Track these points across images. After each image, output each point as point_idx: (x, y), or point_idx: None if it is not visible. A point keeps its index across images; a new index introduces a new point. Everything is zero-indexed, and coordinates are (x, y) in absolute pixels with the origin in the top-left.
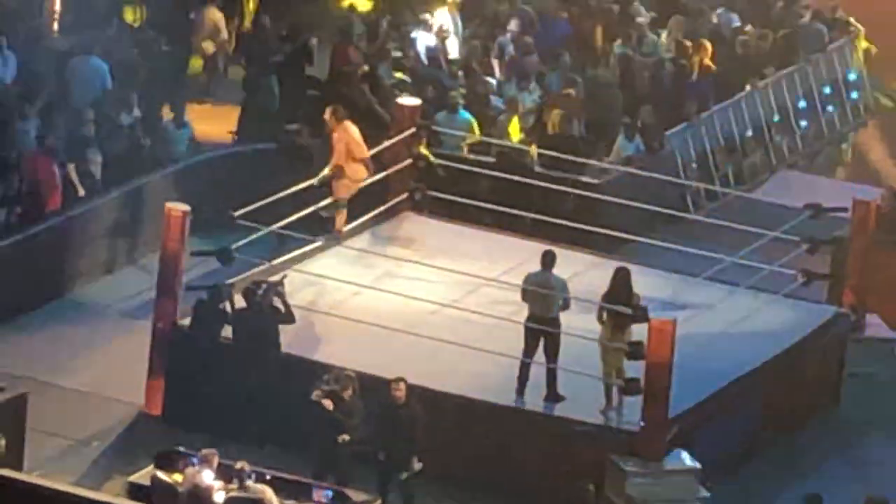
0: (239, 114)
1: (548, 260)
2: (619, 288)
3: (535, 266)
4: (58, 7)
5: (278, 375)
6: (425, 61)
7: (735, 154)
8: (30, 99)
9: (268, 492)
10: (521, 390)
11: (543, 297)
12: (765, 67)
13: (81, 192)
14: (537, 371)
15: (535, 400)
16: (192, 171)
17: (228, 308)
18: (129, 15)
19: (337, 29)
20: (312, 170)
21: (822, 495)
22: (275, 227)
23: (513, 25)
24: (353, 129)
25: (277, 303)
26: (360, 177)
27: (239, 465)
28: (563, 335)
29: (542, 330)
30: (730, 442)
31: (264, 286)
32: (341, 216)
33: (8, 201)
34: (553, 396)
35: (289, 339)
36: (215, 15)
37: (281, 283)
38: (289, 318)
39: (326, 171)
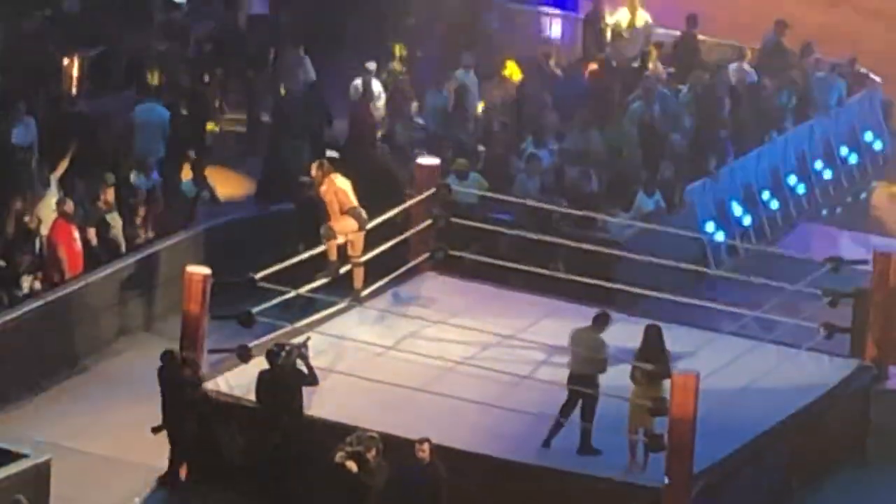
0: (261, 175)
1: (600, 322)
2: (652, 345)
3: (556, 323)
4: (76, 72)
5: (301, 438)
6: (436, 121)
7: (755, 208)
8: (51, 165)
9: None
10: (548, 443)
11: (586, 356)
12: (784, 120)
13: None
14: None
15: (560, 457)
16: (213, 233)
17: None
18: (151, 78)
19: (355, 89)
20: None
21: None
22: (296, 290)
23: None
24: (342, 181)
25: (301, 365)
26: (350, 229)
27: None
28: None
29: (580, 389)
30: (755, 497)
31: (287, 348)
32: (359, 275)
33: (31, 268)
34: (587, 450)
35: (312, 400)
36: None
37: (304, 345)
38: (312, 379)
39: (325, 227)
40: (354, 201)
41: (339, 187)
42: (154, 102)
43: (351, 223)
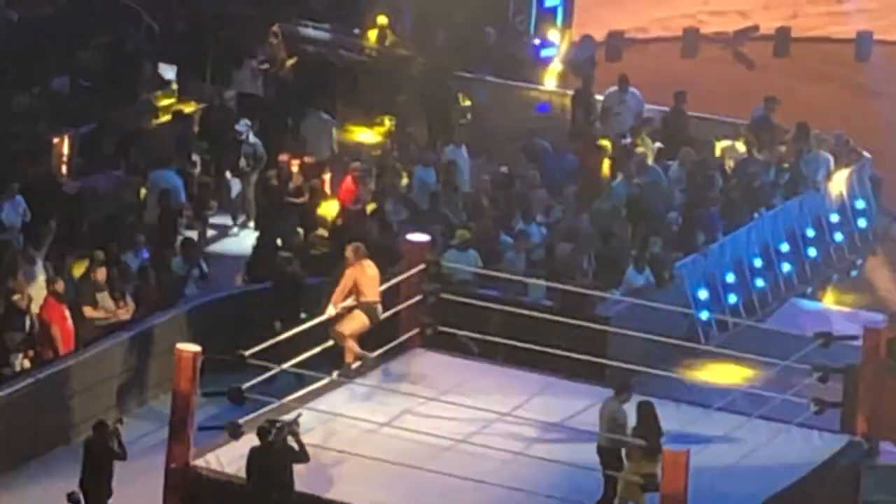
0: (251, 251)
1: (621, 391)
2: (644, 421)
3: (548, 399)
4: (66, 150)
5: None
6: (421, 197)
7: (745, 283)
8: (38, 243)
9: None
10: None
11: (609, 427)
12: (772, 196)
13: None
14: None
15: None
16: (202, 310)
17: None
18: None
19: (343, 164)
20: (309, 302)
21: None
22: (285, 365)
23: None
24: (372, 270)
25: (291, 441)
26: (357, 330)
27: None
28: (576, 469)
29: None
30: None
31: (278, 425)
32: (351, 352)
33: (22, 346)
34: None
35: (303, 477)
36: None
37: (295, 421)
38: (303, 456)
39: (333, 308)
40: (376, 295)
41: (368, 276)
42: (167, 169)
43: (359, 322)
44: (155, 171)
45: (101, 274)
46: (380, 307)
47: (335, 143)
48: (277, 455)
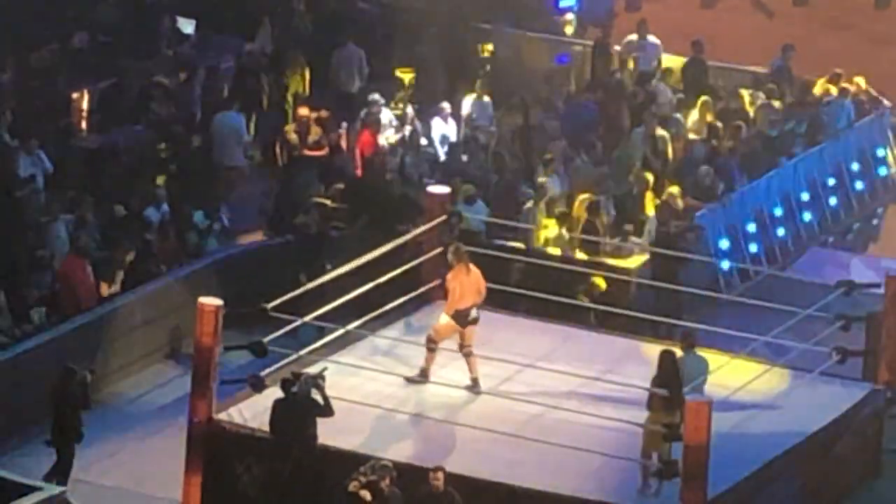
0: (272, 204)
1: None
2: (667, 371)
3: (572, 350)
4: (86, 105)
5: (315, 468)
6: (441, 149)
7: (766, 233)
8: (60, 199)
9: None
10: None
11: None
12: (793, 146)
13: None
14: (568, 453)
15: (574, 484)
16: (224, 264)
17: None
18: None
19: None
20: (336, 256)
21: None
22: (307, 318)
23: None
24: (474, 271)
25: (315, 394)
26: (448, 334)
27: None
28: (604, 419)
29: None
30: None
31: (302, 377)
32: (472, 364)
33: (43, 302)
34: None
35: (327, 430)
36: None
37: (321, 375)
38: (327, 410)
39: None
40: (472, 299)
41: (469, 280)
42: (230, 111)
43: (448, 328)
44: (218, 115)
45: (130, 256)
46: (474, 312)
47: (364, 75)
48: (301, 408)
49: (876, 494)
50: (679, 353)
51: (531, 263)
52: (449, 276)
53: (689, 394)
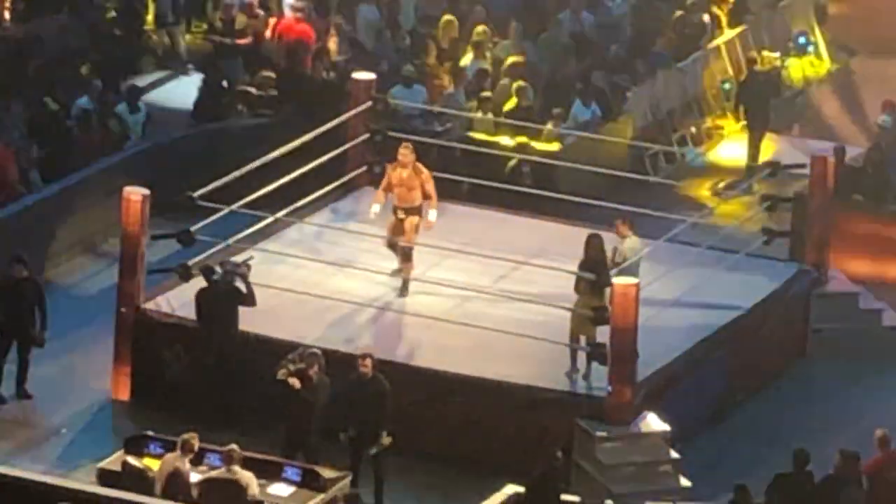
0: (197, 93)
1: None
2: (594, 255)
3: (495, 235)
4: None
5: (239, 356)
6: (367, 35)
7: (691, 115)
8: None
9: (245, 473)
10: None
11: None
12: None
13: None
14: (496, 338)
15: (502, 369)
16: (149, 153)
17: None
18: None
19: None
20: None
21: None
22: (234, 206)
23: None
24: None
25: (239, 283)
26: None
27: (228, 448)
28: (529, 304)
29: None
30: (698, 403)
31: (226, 266)
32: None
33: None
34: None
35: (254, 317)
36: None
37: (246, 263)
38: (249, 299)
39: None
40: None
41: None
42: None
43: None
44: None
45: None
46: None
47: None
48: (223, 296)
49: (802, 373)
50: (621, 236)
51: (461, 149)
52: (406, 172)
53: (620, 276)
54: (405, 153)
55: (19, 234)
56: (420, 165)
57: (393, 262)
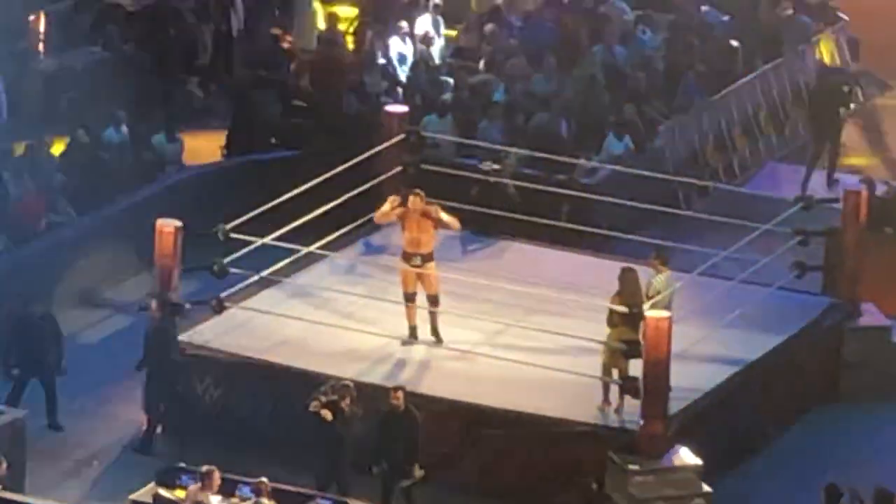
0: (229, 126)
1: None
2: (628, 288)
3: (530, 267)
4: (43, 28)
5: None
6: (399, 68)
7: (724, 149)
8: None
9: None
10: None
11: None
12: (753, 61)
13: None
14: (528, 370)
15: (536, 403)
16: (184, 186)
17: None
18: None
19: (320, 38)
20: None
21: (839, 487)
22: (266, 238)
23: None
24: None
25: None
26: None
27: (257, 480)
28: (562, 337)
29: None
30: (730, 436)
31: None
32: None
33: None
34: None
35: (284, 350)
36: None
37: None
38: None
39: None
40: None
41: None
42: None
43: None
44: None
45: None
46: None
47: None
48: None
49: (834, 408)
50: (655, 270)
51: (494, 183)
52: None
53: (653, 310)
54: (415, 201)
55: (50, 266)
56: (429, 207)
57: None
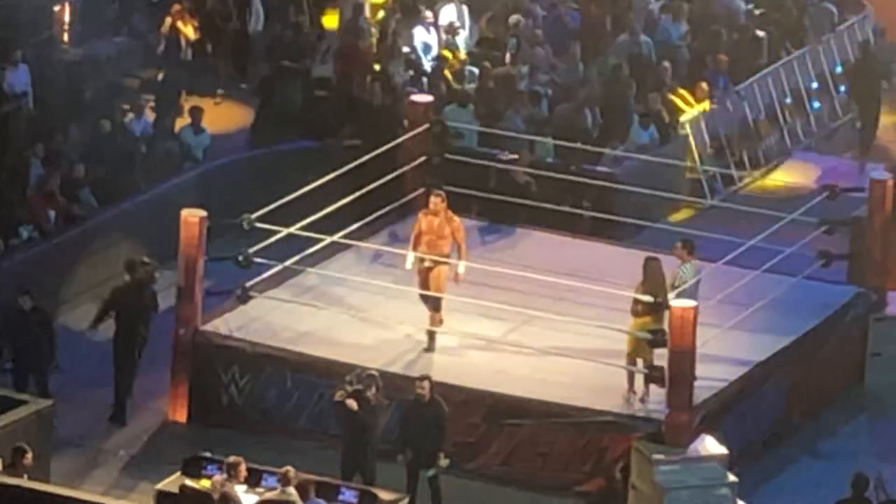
0: (254, 116)
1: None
2: (653, 277)
3: (553, 257)
4: (67, 17)
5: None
6: (424, 57)
7: (750, 138)
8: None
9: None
10: None
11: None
12: (778, 50)
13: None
14: (553, 360)
15: (561, 392)
16: (209, 176)
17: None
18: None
19: (345, 28)
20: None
21: (867, 476)
22: (292, 228)
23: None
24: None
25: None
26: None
27: (283, 469)
28: (589, 326)
29: None
30: (756, 426)
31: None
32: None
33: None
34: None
35: (310, 340)
36: None
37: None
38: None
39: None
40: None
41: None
42: None
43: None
44: None
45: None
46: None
47: None
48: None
49: (860, 397)
50: (681, 259)
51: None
52: (437, 220)
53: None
54: (436, 202)
55: (77, 255)
56: (452, 214)
57: (455, 285)
